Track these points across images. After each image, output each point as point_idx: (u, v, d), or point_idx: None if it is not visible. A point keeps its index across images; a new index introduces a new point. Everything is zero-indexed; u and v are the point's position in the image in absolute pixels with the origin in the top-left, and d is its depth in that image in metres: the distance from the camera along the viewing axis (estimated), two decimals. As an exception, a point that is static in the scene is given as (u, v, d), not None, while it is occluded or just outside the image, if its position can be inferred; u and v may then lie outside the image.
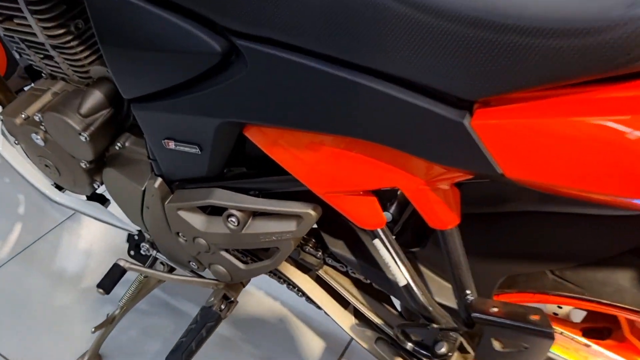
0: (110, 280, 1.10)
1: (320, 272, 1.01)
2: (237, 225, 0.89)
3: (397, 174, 0.66)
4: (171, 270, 1.18)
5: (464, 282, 0.73)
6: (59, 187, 1.24)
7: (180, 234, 0.98)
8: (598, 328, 0.98)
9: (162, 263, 1.18)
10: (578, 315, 1.05)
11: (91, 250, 1.56)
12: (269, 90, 0.67)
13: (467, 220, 0.72)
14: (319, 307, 1.10)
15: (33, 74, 1.23)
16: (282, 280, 1.12)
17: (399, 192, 0.88)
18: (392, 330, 0.96)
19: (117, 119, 1.02)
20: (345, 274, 0.99)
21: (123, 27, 0.73)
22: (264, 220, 0.88)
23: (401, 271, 0.77)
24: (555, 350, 0.81)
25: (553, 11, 0.45)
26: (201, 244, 0.95)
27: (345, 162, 0.69)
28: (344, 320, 1.06)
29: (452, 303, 0.81)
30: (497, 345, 0.70)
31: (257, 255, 1.02)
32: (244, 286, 1.11)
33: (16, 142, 1.14)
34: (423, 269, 0.87)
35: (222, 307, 1.06)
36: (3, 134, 1.17)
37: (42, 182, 1.18)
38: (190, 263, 1.06)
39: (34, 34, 0.96)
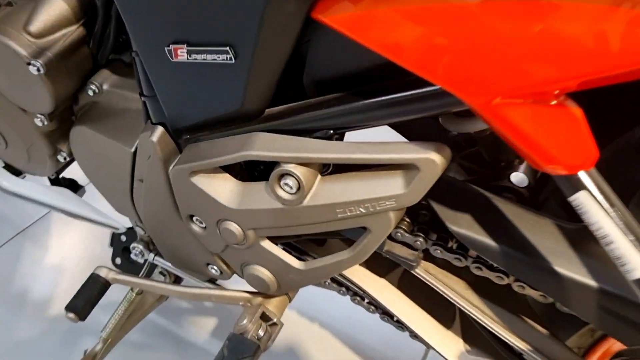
0: (85, 299, 0.72)
1: (418, 271, 0.64)
2: (297, 193, 0.52)
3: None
4: (177, 281, 0.81)
5: None
6: (12, 170, 0.86)
7: (195, 218, 0.61)
8: None
9: (162, 272, 0.81)
10: None
11: (62, 266, 1.17)
12: None
13: None
14: (401, 327, 0.73)
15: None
16: (344, 289, 0.75)
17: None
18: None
19: (89, 45, 0.66)
20: (463, 271, 0.63)
21: None
22: (342, 181, 0.52)
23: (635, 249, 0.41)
24: None
25: None
26: (231, 231, 0.58)
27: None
28: (448, 346, 0.70)
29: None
30: None
31: (317, 247, 0.66)
32: (290, 300, 0.74)
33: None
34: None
35: (261, 333, 0.68)
36: None
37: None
38: (210, 267, 0.69)
39: None
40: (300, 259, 0.62)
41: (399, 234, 0.61)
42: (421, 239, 0.61)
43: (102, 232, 0.93)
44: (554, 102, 0.39)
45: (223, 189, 0.58)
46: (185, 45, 0.49)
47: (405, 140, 0.71)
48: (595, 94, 0.45)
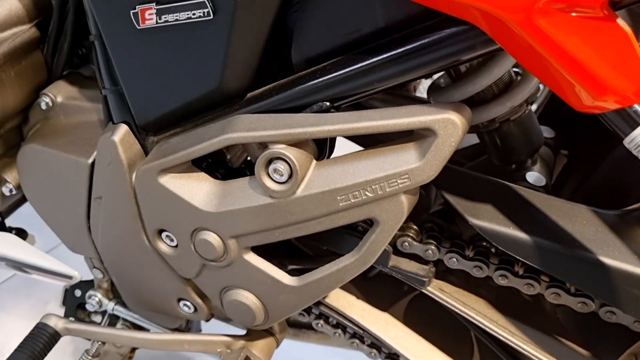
0: (28, 354, 0.58)
1: (431, 290, 0.54)
2: (289, 180, 0.43)
3: None
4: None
5: None
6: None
7: (164, 234, 0.51)
8: None
9: (125, 323, 0.68)
10: None
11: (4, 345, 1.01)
12: None
13: None
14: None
15: None
16: (342, 331, 0.64)
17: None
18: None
19: (43, 51, 0.59)
20: (481, 286, 0.53)
21: None
22: (344, 161, 0.43)
23: None
24: None
25: None
26: (209, 242, 0.48)
27: None
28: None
29: None
30: None
31: (313, 253, 0.56)
32: (277, 344, 0.62)
33: None
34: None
35: None
36: None
37: None
38: (182, 304, 0.57)
39: None
40: (294, 266, 0.52)
41: (407, 244, 0.52)
42: (433, 247, 0.52)
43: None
44: (601, 15, 0.32)
45: (198, 190, 0.48)
46: (153, 5, 0.42)
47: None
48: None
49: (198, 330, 0.70)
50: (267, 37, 0.43)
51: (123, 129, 0.50)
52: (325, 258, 0.56)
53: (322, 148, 0.46)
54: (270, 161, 0.44)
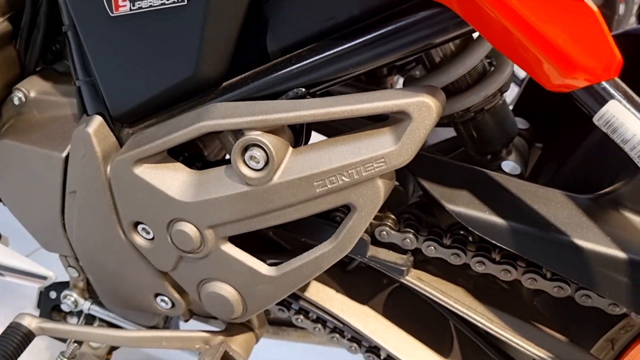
0: (0, 355, 0.57)
1: (410, 279, 0.54)
2: (265, 167, 0.43)
3: None
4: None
5: None
6: None
7: (140, 227, 0.51)
8: None
9: (102, 324, 0.67)
10: None
11: None
12: None
13: None
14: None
15: None
16: (322, 325, 0.63)
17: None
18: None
19: (15, 46, 0.58)
20: (459, 275, 0.54)
21: None
22: (320, 147, 0.43)
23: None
24: None
25: None
26: (185, 233, 0.48)
27: None
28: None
29: None
30: None
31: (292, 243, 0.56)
32: (257, 339, 0.61)
33: None
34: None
35: None
36: None
37: None
38: (159, 300, 0.57)
39: None
40: (271, 256, 0.51)
41: (385, 233, 0.52)
42: (411, 236, 0.52)
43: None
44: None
45: (174, 180, 0.48)
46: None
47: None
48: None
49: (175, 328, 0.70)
50: (242, 23, 0.44)
51: (97, 120, 0.50)
52: (303, 251, 0.56)
53: (298, 135, 0.46)
54: (246, 148, 0.44)
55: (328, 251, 0.46)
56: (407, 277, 0.54)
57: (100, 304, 0.66)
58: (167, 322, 0.66)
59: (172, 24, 0.42)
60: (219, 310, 0.53)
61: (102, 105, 0.50)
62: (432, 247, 0.51)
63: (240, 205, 0.46)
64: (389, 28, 0.40)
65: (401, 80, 0.69)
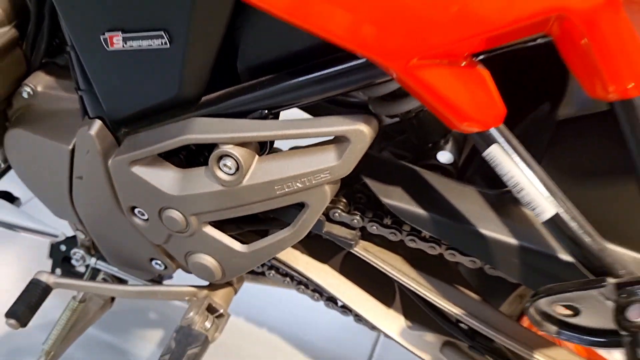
0: (25, 305, 0.70)
1: (357, 250, 0.67)
2: (236, 173, 0.54)
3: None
4: (120, 283, 0.80)
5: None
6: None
7: (137, 210, 0.62)
8: None
9: (105, 278, 0.80)
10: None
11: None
12: None
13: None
14: (345, 311, 0.76)
15: None
16: (288, 279, 0.77)
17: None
18: (477, 323, 0.64)
19: (22, 47, 0.66)
20: (399, 246, 0.66)
21: None
22: (279, 159, 0.54)
23: (545, 198, 0.45)
24: None
25: None
26: (174, 218, 0.60)
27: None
28: (390, 324, 0.73)
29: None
30: None
31: (259, 228, 0.68)
32: (235, 292, 0.75)
33: None
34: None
35: (208, 324, 0.69)
36: None
37: None
38: (154, 262, 0.69)
39: None
40: (244, 240, 0.63)
41: (337, 214, 0.64)
42: (358, 217, 0.64)
43: (38, 252, 0.91)
44: (464, 64, 0.43)
45: (164, 176, 0.59)
46: (120, 33, 0.51)
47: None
48: (507, 72, 0.50)
49: (169, 279, 0.83)
50: (216, 55, 0.53)
51: (98, 123, 0.60)
52: (273, 222, 0.68)
53: (263, 145, 0.57)
54: (220, 157, 0.55)
55: (288, 236, 0.59)
56: (356, 249, 0.67)
57: (104, 260, 0.79)
58: (161, 275, 0.80)
59: (157, 60, 0.52)
60: (202, 275, 0.66)
61: (101, 110, 0.60)
62: (375, 227, 0.63)
63: (216, 200, 0.57)
64: (333, 69, 0.50)
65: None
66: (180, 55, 0.51)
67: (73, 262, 0.79)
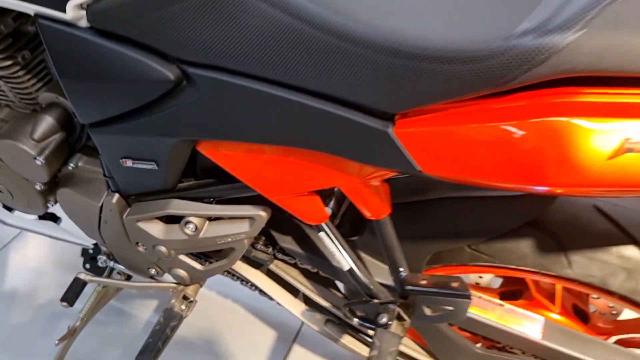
0: (72, 293, 1.16)
1: (272, 267, 1.12)
2: (195, 231, 0.98)
3: (335, 175, 0.78)
4: (128, 278, 1.25)
5: (397, 261, 0.86)
6: (8, 208, 1.27)
7: (140, 244, 1.06)
8: (512, 291, 1.15)
9: (119, 273, 1.25)
10: (497, 283, 1.22)
11: (41, 269, 1.60)
12: (219, 110, 0.77)
13: (397, 209, 0.85)
14: (271, 299, 1.21)
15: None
16: (235, 277, 1.22)
17: (336, 190, 1.01)
18: (340, 310, 1.09)
19: (68, 141, 1.09)
20: (294, 265, 1.11)
21: (80, 61, 0.80)
22: (219, 224, 0.98)
23: (344, 258, 0.89)
24: (476, 311, 0.96)
25: (452, 41, 0.59)
26: (161, 250, 1.04)
27: (291, 168, 0.80)
28: (295, 307, 1.18)
29: (389, 281, 0.95)
30: (427, 311, 0.84)
31: (212, 256, 1.12)
32: (201, 286, 1.20)
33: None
34: (363, 254, 1.00)
35: (183, 307, 1.14)
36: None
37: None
38: (150, 270, 1.14)
39: (-19, 66, 1.00)
40: (201, 264, 1.08)
41: (258, 247, 1.09)
42: (270, 249, 1.08)
43: (68, 246, 1.36)
44: (305, 194, 0.86)
45: (156, 228, 1.03)
46: (131, 160, 0.93)
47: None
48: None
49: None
50: (182, 170, 0.95)
51: (117, 196, 1.03)
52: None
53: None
54: (187, 222, 0.98)
55: (223, 264, 1.03)
56: (271, 266, 1.11)
57: (118, 264, 1.23)
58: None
59: (151, 173, 0.94)
60: (179, 280, 1.11)
61: (118, 188, 1.03)
62: (279, 255, 1.08)
63: (184, 244, 1.01)
64: (227, 185, 0.92)
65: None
66: (163, 172, 0.93)
67: (99, 264, 1.24)
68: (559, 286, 1.07)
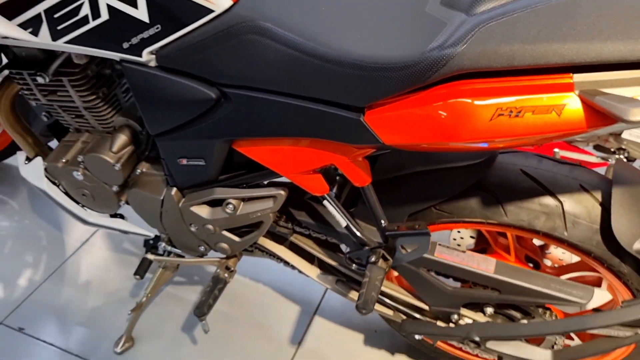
0: (142, 269, 1.52)
1: (292, 239, 1.46)
2: (234, 210, 1.34)
3: (331, 155, 1.13)
4: (182, 257, 1.61)
5: (378, 216, 1.21)
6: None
7: (192, 225, 1.42)
8: (479, 249, 1.48)
9: (176, 255, 1.61)
10: (471, 245, 1.55)
11: (107, 265, 1.96)
12: (247, 116, 1.13)
13: (381, 183, 1.20)
14: (293, 267, 1.55)
15: (54, 131, 1.65)
16: (265, 253, 1.57)
17: (338, 179, 1.36)
18: (345, 269, 1.43)
19: (136, 153, 1.46)
20: (309, 236, 1.45)
21: (152, 89, 1.17)
22: (251, 204, 1.34)
23: (343, 217, 1.24)
24: (443, 258, 1.29)
25: (392, 57, 0.94)
26: (209, 228, 1.39)
27: (300, 152, 1.16)
28: (312, 272, 1.52)
29: (375, 236, 1.29)
30: (402, 251, 1.18)
31: (246, 230, 1.48)
32: (238, 259, 1.54)
33: (56, 181, 1.56)
34: (357, 220, 1.35)
35: (226, 275, 1.49)
36: (46, 176, 1.57)
37: (77, 209, 1.60)
38: (200, 247, 1.49)
39: (72, 101, 1.39)
40: (239, 236, 1.42)
41: (281, 223, 1.43)
42: (290, 224, 1.43)
43: (131, 247, 1.72)
44: (311, 172, 1.21)
45: (204, 211, 1.38)
46: (185, 158, 1.30)
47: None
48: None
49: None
50: (222, 164, 1.31)
51: (175, 189, 1.39)
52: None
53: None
54: (227, 203, 1.34)
55: (256, 234, 1.38)
56: (291, 239, 1.46)
57: (175, 247, 1.59)
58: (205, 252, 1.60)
59: (200, 168, 1.30)
60: (222, 252, 1.46)
61: (176, 183, 1.39)
62: (297, 229, 1.42)
63: (226, 221, 1.36)
64: (262, 172, 1.28)
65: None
66: (210, 166, 1.29)
67: (160, 250, 1.60)
68: (511, 239, 1.39)
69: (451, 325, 1.37)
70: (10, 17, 1.11)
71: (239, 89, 1.11)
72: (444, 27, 0.92)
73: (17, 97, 1.51)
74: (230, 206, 1.33)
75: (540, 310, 1.32)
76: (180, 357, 1.68)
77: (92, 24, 1.09)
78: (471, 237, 1.49)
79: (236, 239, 1.41)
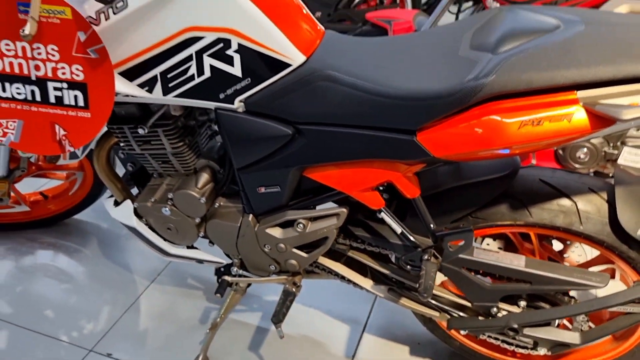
0: (222, 288, 1.77)
1: (349, 254, 1.72)
2: (303, 228, 1.61)
3: (388, 173, 1.42)
4: (248, 286, 1.86)
5: (428, 221, 1.48)
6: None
7: (266, 245, 1.69)
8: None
9: (245, 276, 1.86)
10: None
11: (176, 297, 2.20)
12: (317, 147, 1.43)
13: (427, 198, 1.49)
14: (349, 282, 1.80)
15: (136, 179, 1.94)
16: (325, 271, 1.82)
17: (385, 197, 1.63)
18: (397, 277, 1.68)
19: (215, 189, 1.75)
20: (364, 250, 1.72)
21: (240, 130, 1.47)
22: (317, 222, 1.61)
23: (398, 225, 1.51)
24: (481, 257, 1.56)
25: (438, 89, 1.25)
26: (281, 246, 1.66)
27: (362, 172, 1.45)
28: (367, 284, 1.77)
29: (425, 238, 1.56)
30: (449, 248, 1.45)
31: (312, 247, 1.73)
32: (303, 276, 1.80)
33: (144, 219, 1.83)
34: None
35: (294, 289, 1.74)
36: (136, 215, 1.84)
37: (161, 242, 1.86)
38: (270, 267, 1.75)
39: (163, 148, 1.68)
40: (307, 252, 1.68)
41: (339, 240, 1.70)
42: (347, 240, 1.69)
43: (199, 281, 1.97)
44: (370, 190, 1.49)
45: (277, 231, 1.65)
46: (264, 187, 1.58)
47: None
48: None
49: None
50: (296, 187, 1.60)
51: (251, 216, 1.67)
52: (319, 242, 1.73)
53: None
54: (298, 223, 1.61)
55: (322, 249, 1.64)
56: (348, 254, 1.72)
57: (246, 271, 1.84)
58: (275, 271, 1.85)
59: (275, 194, 1.59)
60: (292, 268, 1.71)
61: (252, 211, 1.66)
62: (354, 245, 1.69)
63: (297, 238, 1.63)
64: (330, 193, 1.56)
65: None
66: (284, 193, 1.57)
67: (232, 272, 1.85)
68: (535, 242, 1.66)
69: (491, 319, 1.62)
70: (131, 79, 1.42)
71: (310, 125, 1.41)
72: (476, 64, 1.24)
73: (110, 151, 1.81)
74: (301, 225, 1.60)
75: (565, 298, 1.57)
76: (249, 374, 1.90)
77: (197, 80, 1.40)
78: (499, 248, 1.76)
79: (304, 255, 1.67)
